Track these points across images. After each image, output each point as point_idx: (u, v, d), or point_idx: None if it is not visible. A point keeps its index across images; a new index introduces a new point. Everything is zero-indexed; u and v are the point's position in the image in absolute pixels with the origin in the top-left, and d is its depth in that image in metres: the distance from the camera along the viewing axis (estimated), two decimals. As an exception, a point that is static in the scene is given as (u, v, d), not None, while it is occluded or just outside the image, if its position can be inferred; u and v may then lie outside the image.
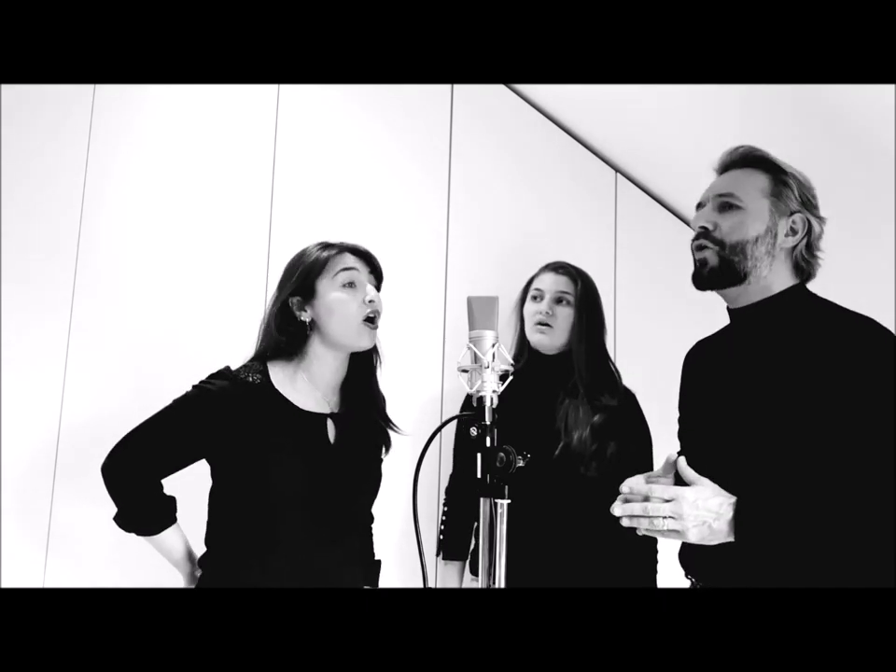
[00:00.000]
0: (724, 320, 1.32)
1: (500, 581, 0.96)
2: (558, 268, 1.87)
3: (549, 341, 1.80)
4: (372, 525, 1.49)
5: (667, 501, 1.02)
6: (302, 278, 1.35)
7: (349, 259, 1.37)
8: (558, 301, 1.82)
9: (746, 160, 1.24)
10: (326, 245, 1.38)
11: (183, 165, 1.83)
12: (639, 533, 1.05)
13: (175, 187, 1.81)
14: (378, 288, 1.41)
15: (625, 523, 1.05)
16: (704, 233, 1.23)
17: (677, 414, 1.40)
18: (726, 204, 1.21)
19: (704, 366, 1.34)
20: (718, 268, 1.21)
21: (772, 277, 1.20)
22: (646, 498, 1.05)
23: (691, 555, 1.26)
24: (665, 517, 1.01)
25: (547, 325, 1.80)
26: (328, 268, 1.35)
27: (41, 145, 1.67)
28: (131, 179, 1.77)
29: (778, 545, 1.04)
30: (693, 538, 1.02)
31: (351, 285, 1.35)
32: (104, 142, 1.74)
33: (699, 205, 1.28)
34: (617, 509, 1.04)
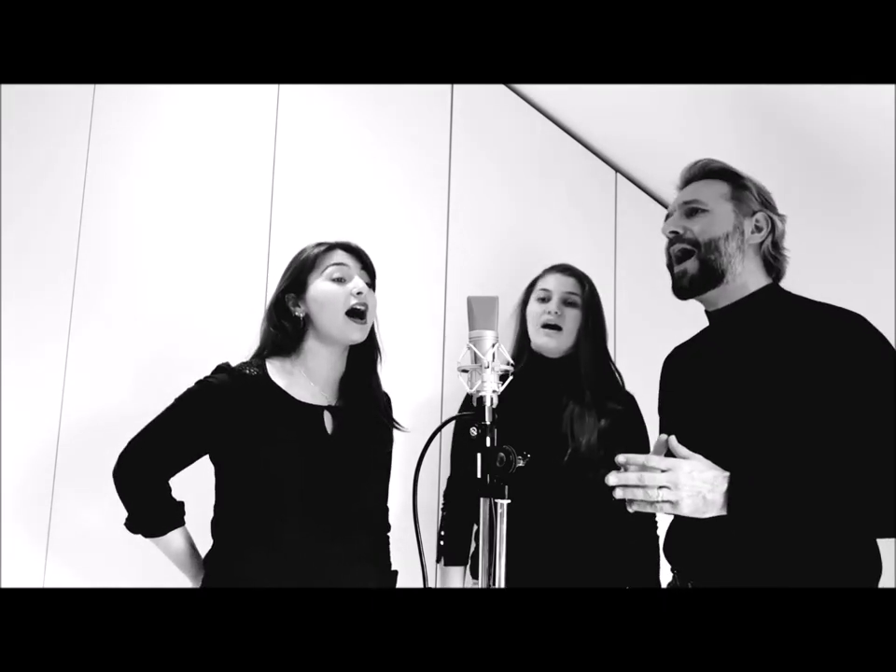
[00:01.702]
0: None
1: (500, 582, 0.96)
2: (565, 269, 1.85)
3: (555, 343, 1.78)
4: (389, 535, 1.49)
5: (663, 472, 1.03)
6: (295, 274, 1.39)
7: (339, 255, 1.40)
8: (566, 302, 1.80)
9: (705, 172, 1.33)
10: (319, 243, 1.41)
11: (183, 165, 1.83)
12: (631, 509, 1.05)
13: (175, 187, 1.81)
14: (372, 286, 1.43)
15: (619, 494, 1.05)
16: (676, 237, 1.31)
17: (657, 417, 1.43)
18: (693, 210, 1.29)
19: (683, 368, 1.38)
20: (698, 273, 1.27)
21: (746, 276, 1.26)
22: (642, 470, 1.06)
23: (676, 546, 1.28)
24: (660, 487, 1.02)
25: (555, 327, 1.78)
26: (318, 263, 1.38)
27: (41, 145, 1.67)
28: (131, 179, 1.77)
29: (770, 518, 1.06)
30: (687, 509, 1.03)
31: (340, 279, 1.38)
32: (104, 142, 1.74)
33: (667, 217, 1.36)
34: (612, 478, 1.05)
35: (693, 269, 1.27)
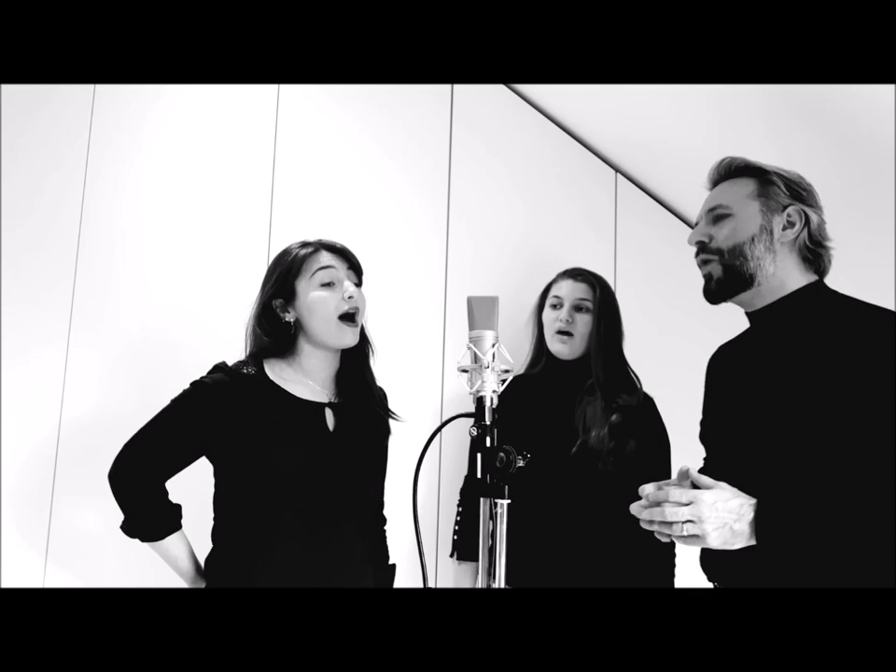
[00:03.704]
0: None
1: (500, 581, 0.96)
2: (577, 275, 1.88)
3: (568, 349, 1.82)
4: (385, 528, 1.49)
5: (686, 505, 1.00)
6: (282, 280, 1.37)
7: (326, 258, 1.37)
8: (577, 308, 1.84)
9: (731, 170, 1.27)
10: (303, 244, 1.39)
11: (183, 165, 1.83)
12: (663, 539, 1.04)
13: (175, 187, 1.81)
14: (359, 283, 1.41)
15: (647, 527, 1.04)
16: (701, 247, 1.26)
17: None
18: (717, 216, 1.24)
19: (727, 370, 1.34)
20: (723, 277, 1.22)
21: (781, 275, 1.20)
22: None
23: (712, 561, 1.24)
24: (683, 522, 0.99)
25: (567, 333, 1.82)
26: (305, 268, 1.36)
27: (41, 145, 1.67)
28: (131, 179, 1.77)
29: (799, 547, 1.01)
30: (715, 542, 1.00)
31: (330, 284, 1.36)
32: (104, 142, 1.74)
33: (696, 224, 1.30)
34: (643, 513, 1.03)
35: (718, 272, 1.22)
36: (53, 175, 1.68)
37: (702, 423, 1.37)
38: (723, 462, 1.12)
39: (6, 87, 1.62)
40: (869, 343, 1.07)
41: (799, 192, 1.22)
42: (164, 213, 1.79)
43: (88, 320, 1.68)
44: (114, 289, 1.72)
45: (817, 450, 1.08)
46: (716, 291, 1.24)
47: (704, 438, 1.35)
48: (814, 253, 1.21)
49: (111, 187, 1.74)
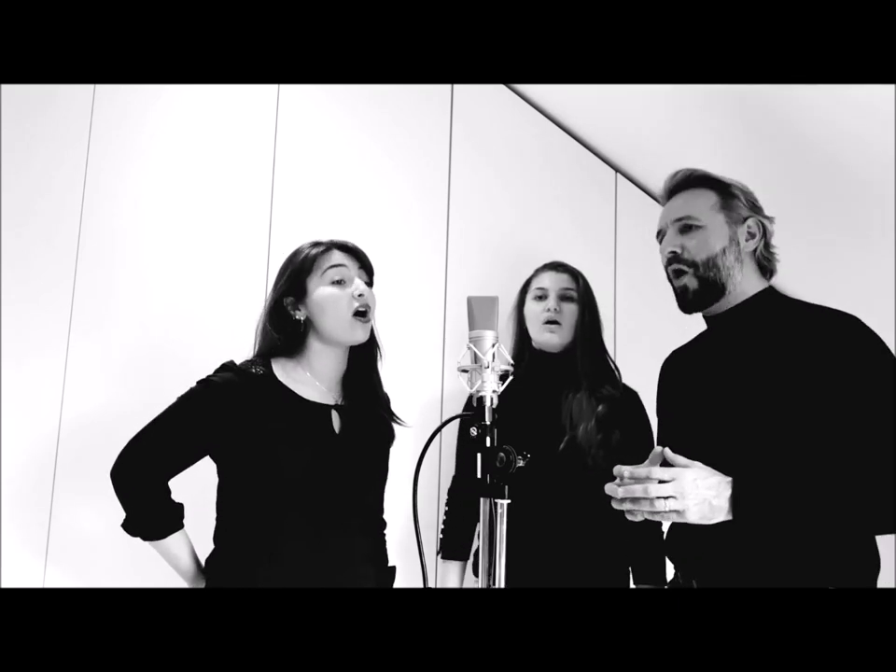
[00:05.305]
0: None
1: (500, 581, 0.95)
2: (558, 266, 1.89)
3: (558, 339, 1.82)
4: (385, 532, 1.50)
5: (667, 482, 1.04)
6: (293, 278, 1.37)
7: (337, 256, 1.38)
8: (562, 297, 1.84)
9: (689, 181, 1.33)
10: (315, 244, 1.39)
11: (183, 165, 1.83)
12: (635, 518, 1.07)
13: (175, 187, 1.81)
14: (370, 283, 1.42)
15: (619, 506, 1.07)
16: (674, 257, 1.31)
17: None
18: (686, 226, 1.30)
19: (682, 372, 1.39)
20: (699, 289, 1.28)
21: (745, 283, 1.27)
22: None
23: (678, 545, 1.29)
24: (666, 497, 1.03)
25: (556, 322, 1.82)
26: (316, 266, 1.37)
27: (41, 145, 1.67)
28: (131, 179, 1.77)
29: (775, 520, 1.06)
30: (694, 516, 1.04)
31: (340, 282, 1.36)
32: (104, 142, 1.74)
33: (659, 233, 1.36)
34: (619, 490, 1.06)
35: (693, 285, 1.28)
36: (54, 175, 1.68)
37: (658, 425, 1.43)
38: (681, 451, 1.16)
39: (6, 87, 1.62)
40: (818, 341, 1.14)
41: (755, 204, 1.30)
42: (164, 213, 1.79)
43: (88, 320, 1.68)
44: (114, 290, 1.72)
45: (778, 439, 1.14)
46: (693, 301, 1.29)
47: (660, 439, 1.41)
48: (767, 260, 1.29)
49: (111, 187, 1.74)
